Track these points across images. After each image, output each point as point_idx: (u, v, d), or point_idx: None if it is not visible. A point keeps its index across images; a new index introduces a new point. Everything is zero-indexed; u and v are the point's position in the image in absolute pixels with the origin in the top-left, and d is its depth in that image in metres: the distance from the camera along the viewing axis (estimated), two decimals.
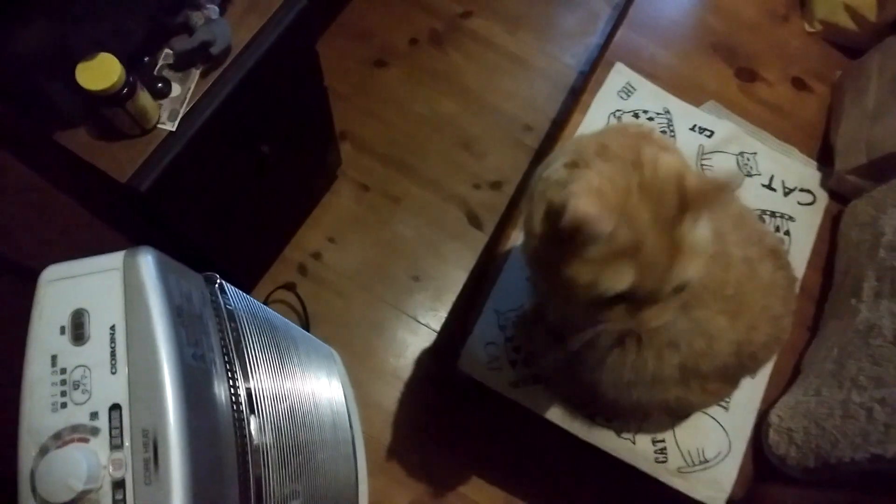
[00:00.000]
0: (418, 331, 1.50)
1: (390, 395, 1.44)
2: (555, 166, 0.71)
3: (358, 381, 1.35)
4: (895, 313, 0.96)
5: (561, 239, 0.63)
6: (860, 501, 0.94)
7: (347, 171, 1.61)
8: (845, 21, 1.36)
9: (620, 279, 0.62)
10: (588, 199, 0.60)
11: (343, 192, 1.60)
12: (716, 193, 0.62)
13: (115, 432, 0.50)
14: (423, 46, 1.76)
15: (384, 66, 1.73)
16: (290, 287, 1.48)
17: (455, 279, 1.54)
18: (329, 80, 1.24)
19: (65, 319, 0.53)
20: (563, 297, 0.69)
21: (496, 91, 1.73)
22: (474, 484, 1.38)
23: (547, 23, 1.84)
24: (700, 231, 0.63)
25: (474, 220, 1.60)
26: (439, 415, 1.43)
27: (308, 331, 1.38)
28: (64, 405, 0.51)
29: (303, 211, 1.54)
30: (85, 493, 0.48)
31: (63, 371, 0.51)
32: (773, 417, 1.04)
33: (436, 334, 1.50)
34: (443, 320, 1.51)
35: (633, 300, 0.65)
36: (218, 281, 0.70)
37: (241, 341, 0.70)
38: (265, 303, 1.38)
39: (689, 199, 0.61)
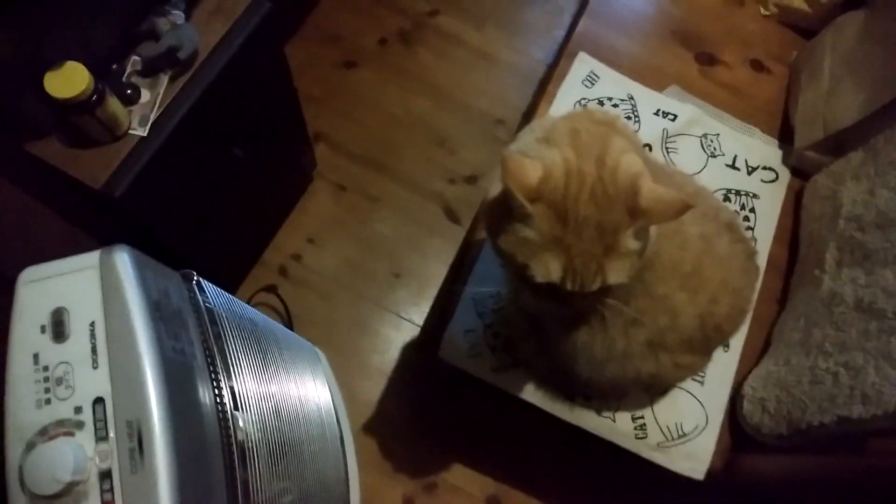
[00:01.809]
0: (401, 326, 1.52)
1: (377, 392, 1.46)
2: (525, 139, 0.73)
3: (344, 379, 1.36)
4: (856, 281, 1.00)
5: (504, 205, 0.67)
6: (830, 464, 0.97)
7: (324, 172, 1.62)
8: (798, 3, 1.41)
9: (548, 271, 0.66)
10: (533, 171, 0.63)
11: (320, 193, 1.61)
12: (664, 212, 0.65)
13: (100, 425, 0.51)
14: (392, 46, 1.78)
15: (354, 66, 1.75)
16: (271, 289, 1.50)
17: (435, 273, 1.56)
18: (300, 83, 1.25)
19: (45, 318, 0.54)
20: (504, 265, 0.72)
21: (467, 87, 1.76)
22: (464, 473, 1.40)
23: (514, 18, 1.87)
24: (634, 241, 0.67)
25: (451, 215, 1.63)
26: (426, 407, 1.45)
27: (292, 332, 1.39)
28: (48, 401, 0.52)
29: (281, 213, 1.55)
30: (73, 484, 0.49)
31: (45, 368, 0.53)
32: (747, 388, 1.07)
33: (419, 329, 1.51)
34: (425, 314, 1.53)
35: (560, 289, 0.68)
36: (195, 278, 0.72)
37: (221, 337, 0.71)
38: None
39: (638, 211, 0.65)
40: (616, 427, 1.07)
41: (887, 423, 0.83)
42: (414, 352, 1.49)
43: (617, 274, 0.67)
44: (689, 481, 1.06)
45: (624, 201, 0.65)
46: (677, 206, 0.64)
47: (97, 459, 0.50)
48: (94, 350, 0.53)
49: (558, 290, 0.68)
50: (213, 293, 0.74)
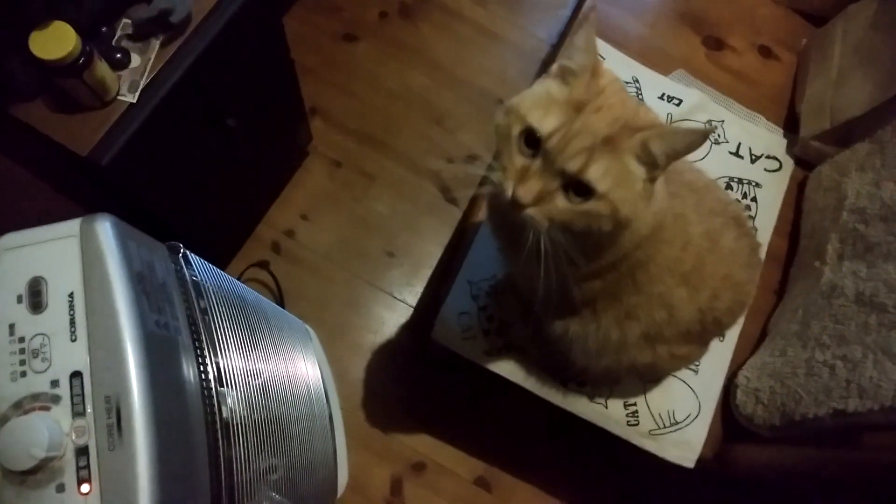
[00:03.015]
0: (394, 306, 1.50)
1: (368, 371, 1.45)
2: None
3: (335, 358, 1.35)
4: (857, 273, 0.99)
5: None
6: (822, 457, 0.97)
7: (319, 147, 1.59)
8: None
9: (546, 117, 0.62)
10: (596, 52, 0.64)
11: (315, 168, 1.58)
12: (682, 142, 0.62)
13: (77, 399, 0.49)
14: (392, 20, 1.74)
15: (354, 40, 1.71)
16: (263, 265, 1.47)
17: (430, 254, 1.54)
18: (298, 55, 1.22)
19: (22, 288, 0.52)
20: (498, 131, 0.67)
21: (468, 65, 1.72)
22: (454, 455, 1.40)
23: None
24: (636, 164, 0.63)
25: (448, 195, 1.60)
26: (417, 388, 1.44)
27: (283, 308, 1.38)
28: (23, 374, 0.50)
29: (274, 188, 1.52)
30: (47, 460, 0.47)
31: (21, 340, 0.50)
32: (741, 378, 1.07)
33: (412, 309, 1.50)
34: (419, 295, 1.51)
35: (535, 151, 0.63)
36: (182, 250, 0.70)
37: (208, 312, 0.69)
38: (239, 280, 1.37)
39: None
40: (608, 413, 1.06)
41: (883, 417, 0.83)
42: (407, 332, 1.48)
43: (599, 171, 0.61)
44: (679, 469, 1.05)
45: (645, 124, 0.64)
46: (697, 134, 0.62)
47: (73, 435, 0.48)
48: (72, 322, 0.51)
49: (531, 152, 0.63)
50: (200, 267, 0.72)
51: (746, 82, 1.34)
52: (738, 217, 0.89)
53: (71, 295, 0.52)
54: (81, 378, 0.50)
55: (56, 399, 0.49)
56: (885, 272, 0.93)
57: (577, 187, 0.62)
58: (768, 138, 1.28)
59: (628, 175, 0.63)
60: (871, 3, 1.24)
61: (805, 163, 1.27)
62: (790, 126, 1.30)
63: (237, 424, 0.69)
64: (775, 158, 1.26)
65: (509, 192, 0.63)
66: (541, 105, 0.63)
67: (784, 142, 1.29)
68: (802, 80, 1.31)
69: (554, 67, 0.68)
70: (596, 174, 0.61)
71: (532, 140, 0.63)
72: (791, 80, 1.35)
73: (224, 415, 0.67)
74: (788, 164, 1.27)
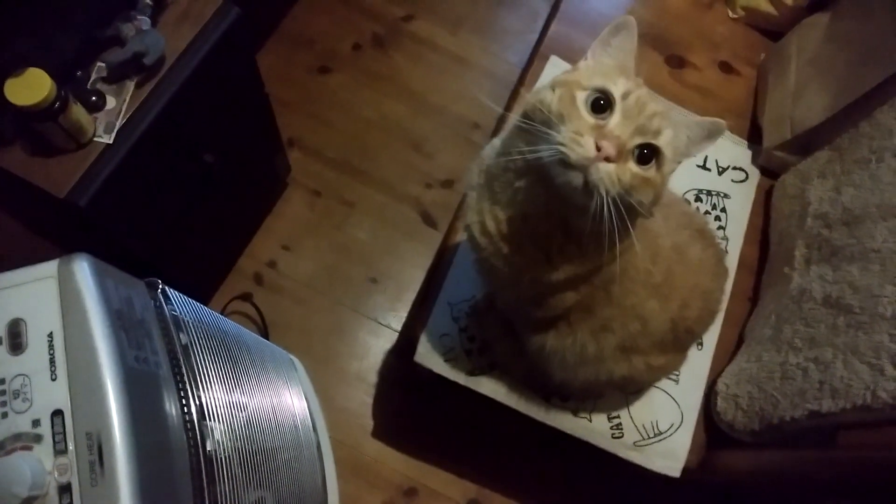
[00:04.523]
0: (379, 332, 1.51)
1: (356, 399, 1.45)
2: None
3: (322, 387, 1.35)
4: (824, 277, 1.02)
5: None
6: (802, 458, 0.98)
7: (298, 177, 1.61)
8: (765, 6, 1.43)
9: (613, 82, 0.62)
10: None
11: (295, 199, 1.60)
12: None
13: (59, 438, 0.50)
14: (366, 51, 1.78)
15: (329, 72, 1.74)
16: (246, 297, 1.48)
17: (413, 278, 1.56)
18: (274, 88, 1.24)
19: (1, 330, 0.53)
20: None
21: (442, 91, 1.76)
22: (445, 478, 1.40)
23: (488, 22, 1.88)
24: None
25: (428, 219, 1.63)
26: (406, 413, 1.45)
27: (268, 340, 1.38)
28: (5, 415, 0.51)
29: (255, 220, 1.54)
30: (31, 499, 0.48)
31: (2, 381, 0.51)
32: (721, 386, 1.08)
33: (397, 334, 1.51)
34: (403, 320, 1.52)
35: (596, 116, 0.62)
36: (160, 286, 0.71)
37: (188, 346, 0.70)
38: (222, 314, 1.37)
39: None
40: (592, 427, 1.07)
41: (856, 416, 0.85)
42: (393, 358, 1.48)
43: (668, 138, 0.62)
44: (666, 479, 1.06)
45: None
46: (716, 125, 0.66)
47: (56, 473, 0.49)
48: (52, 361, 0.52)
49: (599, 117, 0.62)
50: (179, 302, 0.73)
51: (709, 97, 1.38)
52: (702, 229, 0.92)
53: (50, 335, 0.53)
54: (62, 416, 0.50)
55: (38, 438, 0.50)
56: (850, 274, 0.96)
57: (639, 156, 0.62)
58: (733, 150, 1.32)
59: (674, 153, 0.64)
60: (824, 17, 1.30)
61: (770, 172, 1.30)
62: (754, 137, 1.34)
63: (222, 458, 0.70)
64: (741, 169, 1.30)
65: (591, 146, 0.59)
66: (601, 73, 0.64)
67: (749, 153, 1.33)
68: (763, 93, 1.35)
69: (589, 60, 0.69)
70: (666, 139, 0.62)
71: (598, 106, 0.62)
72: (752, 94, 1.40)
73: (208, 448, 0.67)
74: (754, 174, 1.30)
